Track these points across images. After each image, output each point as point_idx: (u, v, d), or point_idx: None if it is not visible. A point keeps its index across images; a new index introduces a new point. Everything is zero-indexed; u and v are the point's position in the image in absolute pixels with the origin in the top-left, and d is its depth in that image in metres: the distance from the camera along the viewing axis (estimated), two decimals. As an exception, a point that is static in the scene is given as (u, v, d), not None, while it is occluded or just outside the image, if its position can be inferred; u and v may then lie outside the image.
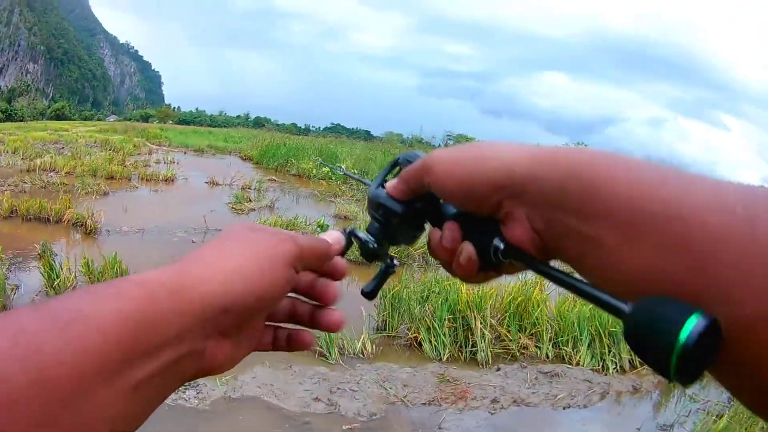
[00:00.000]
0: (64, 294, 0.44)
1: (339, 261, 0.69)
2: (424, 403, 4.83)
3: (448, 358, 5.90)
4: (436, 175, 0.62)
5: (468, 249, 0.62)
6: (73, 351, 0.39)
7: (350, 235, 0.71)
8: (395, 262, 0.73)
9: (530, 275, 7.54)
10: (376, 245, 0.72)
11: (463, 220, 0.64)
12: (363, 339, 5.90)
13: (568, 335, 6.45)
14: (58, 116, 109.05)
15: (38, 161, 15.05)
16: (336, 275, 0.69)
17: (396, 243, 0.73)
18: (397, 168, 0.74)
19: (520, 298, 6.67)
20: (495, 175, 0.57)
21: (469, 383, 5.45)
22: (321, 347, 5.65)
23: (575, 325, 6.47)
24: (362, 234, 0.72)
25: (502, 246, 0.59)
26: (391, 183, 0.70)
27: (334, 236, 0.69)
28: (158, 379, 0.45)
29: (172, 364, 0.47)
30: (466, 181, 0.59)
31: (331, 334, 5.72)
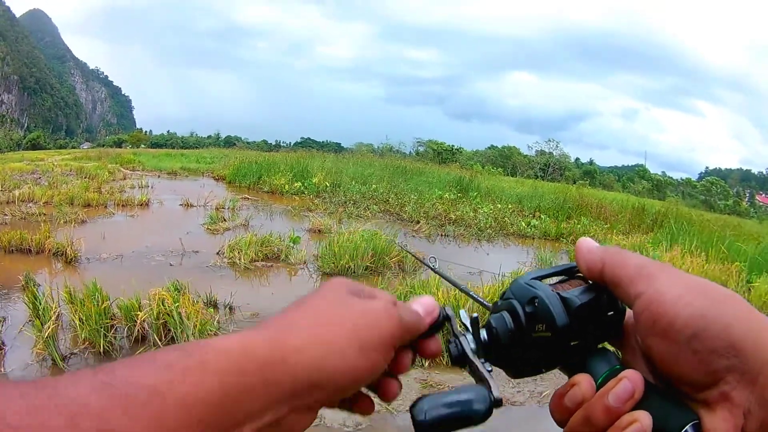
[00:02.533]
0: (129, 362, 0.40)
1: (434, 343, 0.63)
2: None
3: (429, 363, 5.77)
4: (659, 291, 0.51)
5: (644, 421, 0.49)
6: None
7: (444, 318, 0.63)
8: (495, 394, 0.56)
9: (507, 273, 7.81)
10: (474, 347, 0.62)
11: (647, 381, 0.53)
12: (342, 349, 6.01)
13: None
14: (34, 146, 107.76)
15: (17, 192, 15.04)
16: (424, 352, 0.63)
17: (499, 362, 0.63)
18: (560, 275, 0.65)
19: (497, 300, 6.78)
20: (737, 331, 0.47)
21: (452, 386, 5.48)
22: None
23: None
24: (464, 331, 0.64)
25: None
26: (571, 284, 0.61)
27: (426, 305, 0.63)
28: None
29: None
30: (701, 317, 0.48)
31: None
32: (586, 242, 0.61)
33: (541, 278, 0.61)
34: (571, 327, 0.56)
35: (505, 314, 0.61)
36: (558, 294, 0.58)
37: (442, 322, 0.63)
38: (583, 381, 0.55)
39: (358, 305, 0.55)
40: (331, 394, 0.50)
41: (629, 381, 0.51)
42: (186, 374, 0.40)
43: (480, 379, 0.59)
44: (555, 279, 0.63)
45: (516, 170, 72.53)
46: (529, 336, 0.58)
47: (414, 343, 0.61)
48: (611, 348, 0.61)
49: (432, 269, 1.39)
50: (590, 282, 0.60)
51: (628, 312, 0.59)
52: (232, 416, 0.41)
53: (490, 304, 0.67)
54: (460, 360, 0.62)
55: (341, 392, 0.51)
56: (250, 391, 0.43)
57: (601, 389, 0.53)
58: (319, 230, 12.59)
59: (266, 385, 0.44)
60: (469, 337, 0.62)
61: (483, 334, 0.62)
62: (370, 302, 0.56)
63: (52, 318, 5.69)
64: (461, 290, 1.03)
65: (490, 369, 0.60)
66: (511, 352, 0.61)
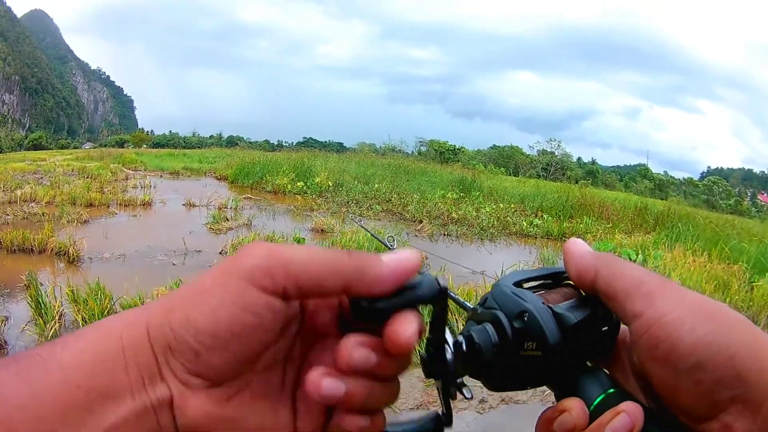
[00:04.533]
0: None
1: (403, 319, 0.48)
2: (412, 408, 4.83)
3: None
4: (661, 312, 0.47)
5: None
6: (32, 393, 0.40)
7: (443, 291, 0.50)
8: (468, 393, 0.55)
9: (509, 273, 7.85)
10: (452, 358, 0.54)
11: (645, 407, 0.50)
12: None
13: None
14: (36, 146, 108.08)
15: (19, 192, 15.06)
16: (387, 335, 0.47)
17: (481, 376, 0.56)
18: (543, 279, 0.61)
19: None
20: (742, 359, 0.44)
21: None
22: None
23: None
24: (451, 337, 0.55)
25: None
26: (560, 293, 0.57)
27: (399, 254, 0.50)
28: (128, 429, 0.42)
29: (140, 413, 0.43)
30: (706, 345, 0.44)
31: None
32: (577, 245, 0.57)
33: (523, 282, 0.58)
34: (563, 346, 0.52)
35: (489, 327, 0.55)
36: (550, 309, 0.53)
37: (433, 292, 0.50)
38: (575, 407, 0.52)
39: (229, 258, 0.48)
40: (212, 351, 0.43)
41: (628, 415, 0.48)
42: (66, 343, 0.44)
43: (445, 403, 0.55)
44: (535, 282, 0.60)
45: (518, 170, 72.53)
46: (515, 353, 0.53)
47: (368, 314, 0.49)
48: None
49: (390, 249, 1.27)
50: (582, 293, 0.56)
51: (622, 327, 0.56)
52: (108, 381, 0.42)
53: (470, 305, 0.62)
54: (435, 371, 0.55)
55: (221, 348, 0.44)
56: (119, 354, 0.43)
57: (597, 421, 0.50)
58: (322, 230, 12.55)
59: (135, 347, 0.43)
60: (449, 341, 0.55)
61: (461, 342, 0.55)
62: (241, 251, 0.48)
63: (56, 317, 5.72)
64: (463, 306, 0.94)
65: (470, 395, 0.55)
66: (494, 367, 0.55)
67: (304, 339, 0.51)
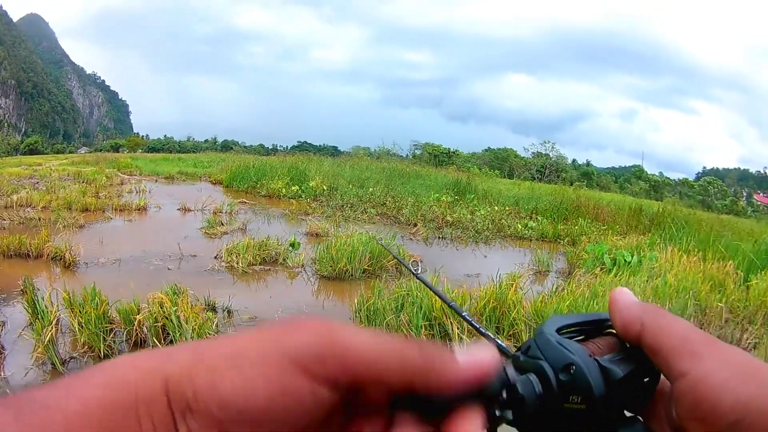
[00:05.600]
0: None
1: (469, 417, 0.46)
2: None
3: None
4: (707, 373, 0.46)
5: None
6: None
7: (505, 382, 0.50)
8: None
9: (503, 276, 7.76)
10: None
11: None
12: (341, 353, 5.98)
13: (547, 333, 6.60)
14: (32, 151, 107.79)
15: (15, 197, 15.10)
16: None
17: (519, 425, 0.52)
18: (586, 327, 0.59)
19: (493, 303, 6.76)
20: None
21: None
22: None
23: (554, 322, 6.60)
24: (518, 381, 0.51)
25: None
26: (604, 343, 0.55)
27: (481, 355, 0.47)
28: None
29: None
30: (744, 405, 0.44)
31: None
32: (623, 295, 0.55)
33: (566, 328, 0.56)
34: (608, 400, 0.50)
35: (533, 378, 0.51)
36: (597, 362, 0.51)
37: (501, 387, 0.50)
38: None
39: (270, 327, 0.44)
40: (238, 425, 0.40)
41: None
42: (72, 388, 0.40)
43: None
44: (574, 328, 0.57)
45: (513, 172, 72.61)
46: (559, 405, 0.50)
47: (426, 407, 0.46)
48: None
49: (415, 275, 1.31)
50: (627, 344, 0.55)
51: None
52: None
53: (510, 350, 0.59)
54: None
55: (249, 424, 0.40)
56: (132, 405, 0.39)
57: None
58: (316, 234, 12.64)
59: (147, 401, 0.39)
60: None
61: (501, 391, 0.50)
62: (285, 322, 0.44)
63: (52, 322, 5.70)
64: (452, 308, 0.97)
65: None
66: (535, 420, 0.51)
67: (347, 409, 0.45)
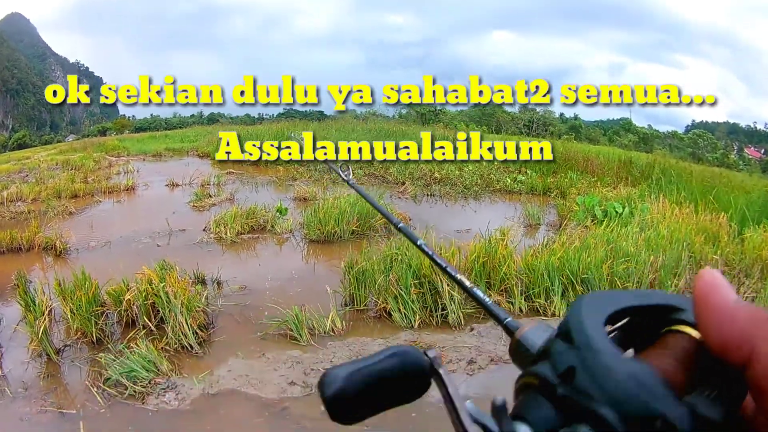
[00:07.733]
0: None
1: None
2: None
3: (419, 324, 5.95)
4: None
5: None
6: None
7: None
8: None
9: (492, 231, 7.62)
10: None
11: None
12: (331, 316, 5.96)
13: (539, 287, 6.51)
14: (20, 145, 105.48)
15: (5, 193, 15.00)
16: None
17: None
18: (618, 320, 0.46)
19: (483, 258, 6.74)
20: None
21: (443, 347, 5.46)
22: (291, 330, 5.71)
23: (545, 275, 6.52)
24: None
25: None
26: (672, 354, 0.42)
27: None
28: None
29: None
30: None
31: (299, 314, 5.76)
32: (719, 293, 0.41)
33: (610, 320, 0.44)
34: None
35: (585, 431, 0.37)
36: (693, 411, 0.37)
37: None
38: None
39: None
40: None
41: None
42: None
43: None
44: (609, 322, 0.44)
45: (500, 127, 71.90)
46: None
47: None
48: None
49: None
50: (723, 364, 0.40)
51: None
52: None
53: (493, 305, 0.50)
54: None
55: None
56: None
57: None
58: (304, 198, 12.70)
59: None
60: None
61: None
62: None
63: (44, 313, 5.75)
64: (436, 264, 0.89)
65: None
66: None
67: None
